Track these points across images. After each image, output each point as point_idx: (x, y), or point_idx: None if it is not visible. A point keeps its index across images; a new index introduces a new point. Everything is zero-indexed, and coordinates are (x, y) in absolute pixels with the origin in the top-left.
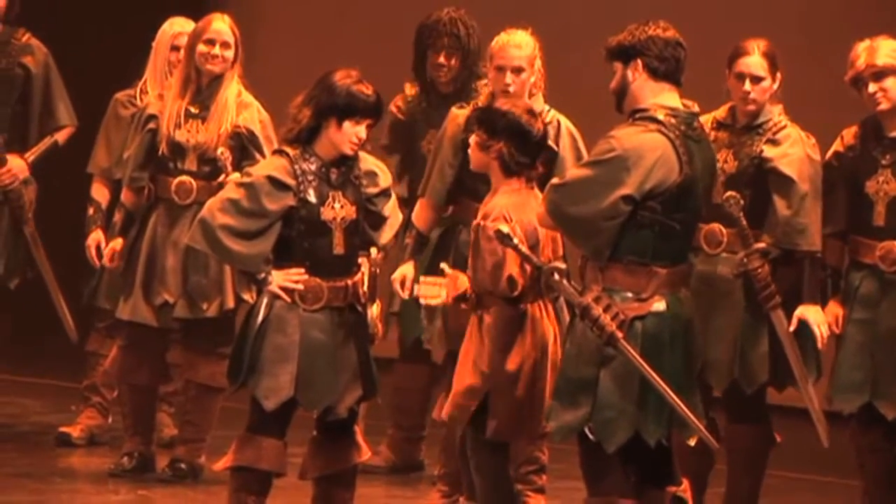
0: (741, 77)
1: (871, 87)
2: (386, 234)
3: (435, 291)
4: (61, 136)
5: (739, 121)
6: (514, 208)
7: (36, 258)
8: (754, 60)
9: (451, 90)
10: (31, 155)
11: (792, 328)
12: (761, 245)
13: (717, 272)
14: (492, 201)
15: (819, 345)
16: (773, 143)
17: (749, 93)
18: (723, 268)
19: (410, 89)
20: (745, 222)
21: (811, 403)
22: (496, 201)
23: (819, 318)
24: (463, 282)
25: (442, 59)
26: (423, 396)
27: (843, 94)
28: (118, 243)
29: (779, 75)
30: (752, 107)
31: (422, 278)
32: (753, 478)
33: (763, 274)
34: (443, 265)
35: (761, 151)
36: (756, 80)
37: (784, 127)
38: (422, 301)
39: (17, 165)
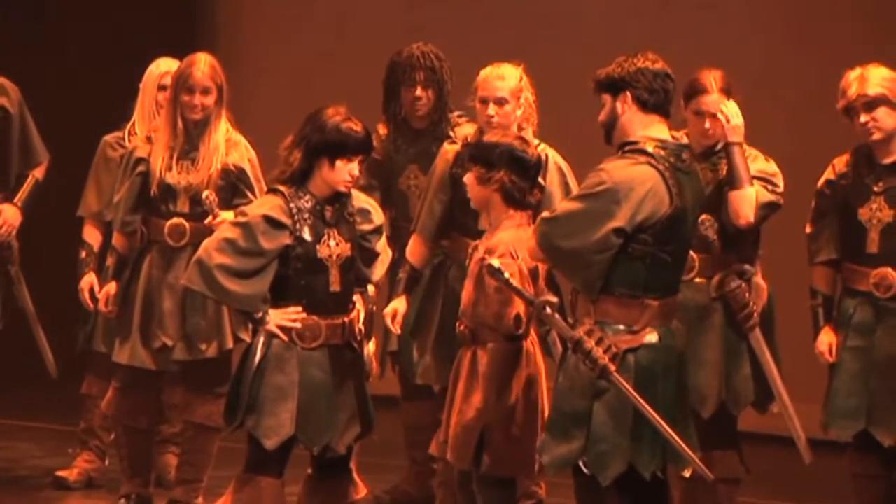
0: (700, 114)
1: (863, 118)
2: (378, 271)
3: None
4: (39, 173)
5: (695, 149)
6: (519, 244)
7: (18, 295)
8: (713, 99)
9: (425, 125)
10: (19, 199)
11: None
12: (738, 266)
13: (691, 297)
14: (496, 236)
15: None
16: None
17: (709, 129)
18: (695, 293)
19: (383, 129)
20: (719, 245)
21: (791, 423)
22: (501, 237)
23: None
24: None
25: (419, 92)
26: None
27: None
28: (112, 287)
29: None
30: (711, 141)
31: None
32: None
33: (741, 294)
34: None
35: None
36: (716, 116)
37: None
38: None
39: (11, 214)
